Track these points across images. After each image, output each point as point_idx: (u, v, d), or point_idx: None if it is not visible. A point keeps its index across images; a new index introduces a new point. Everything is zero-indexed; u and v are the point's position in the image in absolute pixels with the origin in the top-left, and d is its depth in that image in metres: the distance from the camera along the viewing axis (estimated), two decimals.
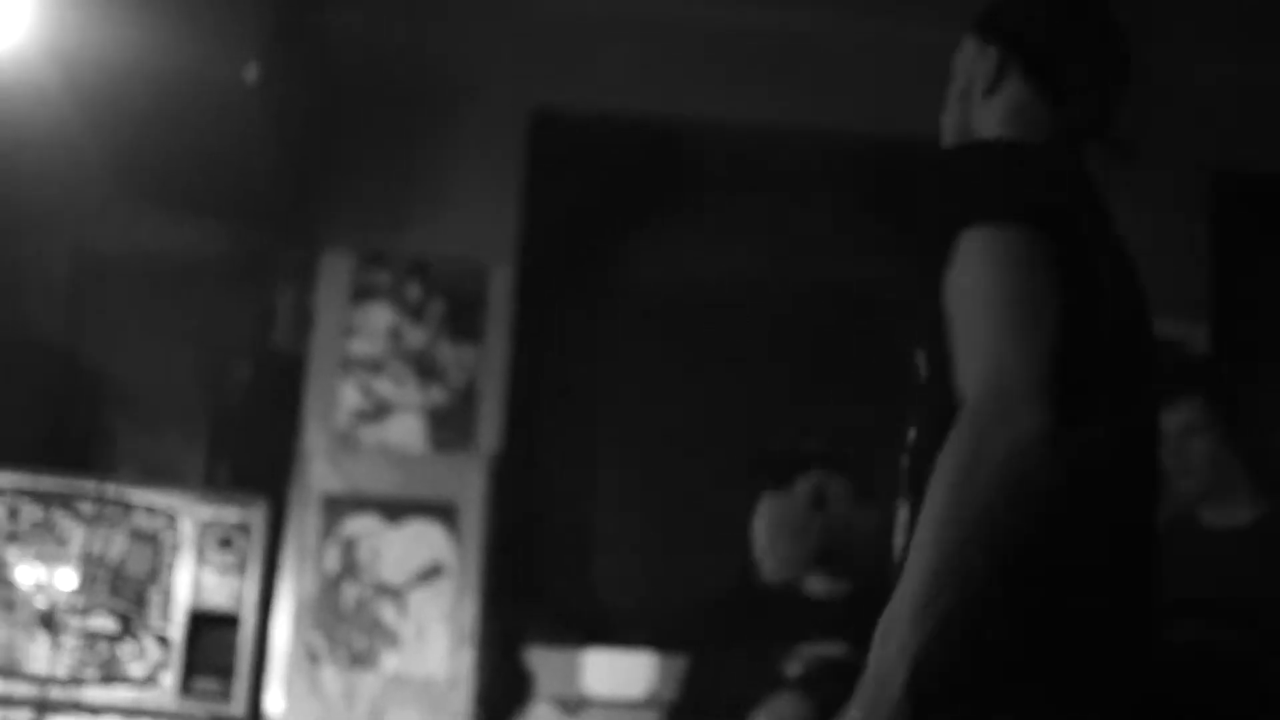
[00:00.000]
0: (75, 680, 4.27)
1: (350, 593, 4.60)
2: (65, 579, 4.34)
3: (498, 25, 5.06)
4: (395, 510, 4.65)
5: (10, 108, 4.66)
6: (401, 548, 4.63)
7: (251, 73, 4.81)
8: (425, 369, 4.81)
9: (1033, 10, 2.36)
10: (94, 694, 4.27)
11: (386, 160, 4.98)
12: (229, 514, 4.40)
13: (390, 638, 4.57)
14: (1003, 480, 1.71)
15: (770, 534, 3.72)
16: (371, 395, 4.77)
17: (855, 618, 2.62)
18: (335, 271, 4.88)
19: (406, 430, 4.76)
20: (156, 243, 4.92)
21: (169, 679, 4.28)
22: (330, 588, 4.59)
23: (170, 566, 4.36)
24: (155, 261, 4.94)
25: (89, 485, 4.42)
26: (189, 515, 4.38)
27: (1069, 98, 2.29)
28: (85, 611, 4.32)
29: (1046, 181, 2.06)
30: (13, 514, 4.37)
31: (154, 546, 4.37)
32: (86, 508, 4.38)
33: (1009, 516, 1.72)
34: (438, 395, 4.79)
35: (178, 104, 4.71)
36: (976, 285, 1.88)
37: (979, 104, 2.32)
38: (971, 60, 2.35)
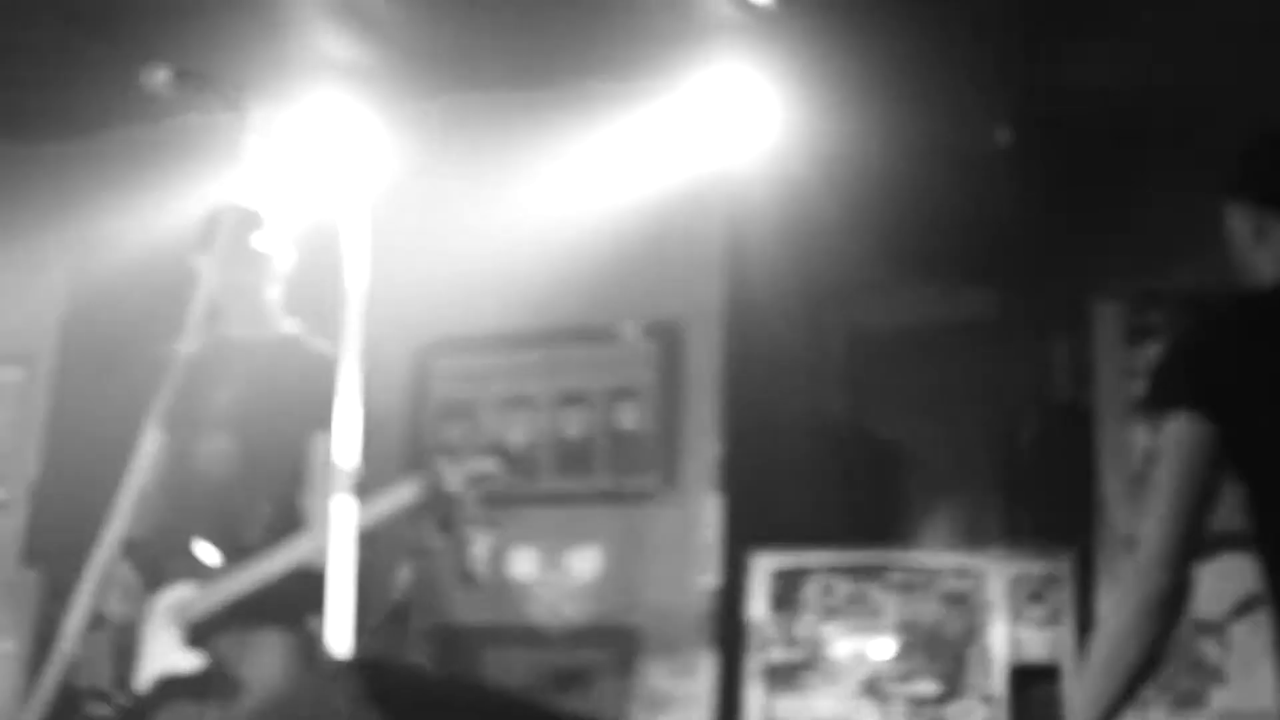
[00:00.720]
0: None
1: None
2: (883, 648, 4.50)
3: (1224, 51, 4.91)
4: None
5: (775, 202, 5.01)
6: (1212, 582, 4.46)
7: (1003, 136, 4.94)
8: None
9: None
10: None
11: (1137, 201, 4.92)
12: (1036, 567, 4.43)
13: (1215, 675, 4.40)
14: (1137, 620, 2.45)
15: None
16: None
17: None
18: (1108, 317, 4.84)
19: None
20: (925, 312, 5.10)
21: None
22: None
23: (984, 625, 4.43)
24: (925, 330, 5.12)
25: (895, 555, 4.59)
26: (997, 573, 4.45)
27: None
28: (906, 678, 4.46)
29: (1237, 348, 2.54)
30: (827, 590, 4.60)
31: (966, 608, 4.46)
32: (896, 577, 4.55)
33: (1145, 634, 2.45)
34: None
35: (930, 177, 4.90)
36: (1153, 468, 2.53)
37: (1253, 254, 2.68)
38: (1238, 220, 2.71)
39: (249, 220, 4.20)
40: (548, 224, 5.22)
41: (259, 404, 4.18)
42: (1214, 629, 4.46)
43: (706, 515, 4.92)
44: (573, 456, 5.22)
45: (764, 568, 4.68)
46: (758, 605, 4.65)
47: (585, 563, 5.06)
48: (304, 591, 3.83)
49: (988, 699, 4.35)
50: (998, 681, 4.36)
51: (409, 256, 5.15)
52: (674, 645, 4.89)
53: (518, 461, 4.07)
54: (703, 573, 4.87)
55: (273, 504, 4.20)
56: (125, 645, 4.02)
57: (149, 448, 4.25)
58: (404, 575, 4.13)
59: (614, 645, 4.91)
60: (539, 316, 5.33)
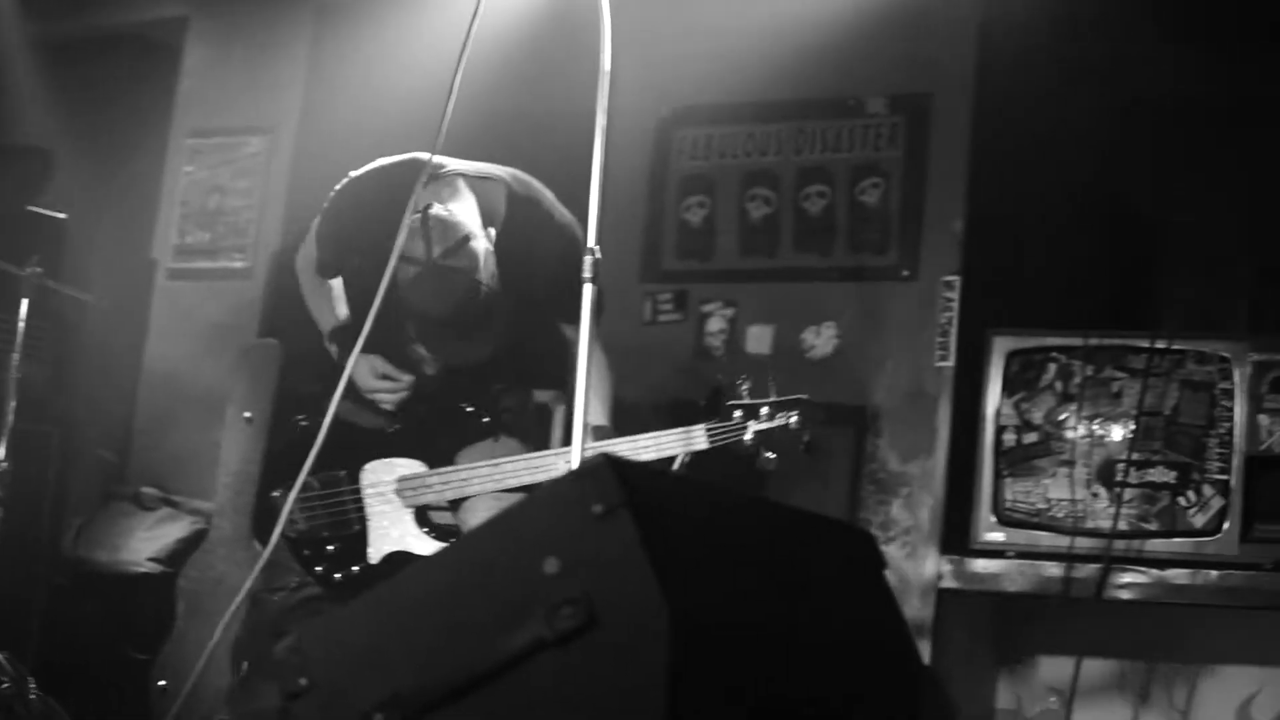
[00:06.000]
0: (1137, 533, 4.84)
1: None
2: (1121, 434, 4.93)
3: None
4: None
5: None
6: None
7: None
8: None
9: None
10: (1155, 545, 4.82)
11: None
12: None
13: None
14: None
15: None
16: None
17: None
18: None
19: None
20: (1201, 85, 5.33)
21: (1230, 527, 4.73)
22: None
23: (1225, 413, 4.80)
24: (1201, 105, 5.36)
25: (1139, 340, 4.94)
26: (1240, 360, 4.80)
27: None
28: (1142, 465, 4.88)
29: None
30: (1065, 374, 5.02)
31: (1207, 394, 4.84)
32: (1138, 362, 4.93)
33: None
34: None
35: None
36: None
37: None
38: None
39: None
40: None
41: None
42: None
43: (946, 295, 5.35)
44: (812, 232, 5.70)
45: (1002, 349, 5.07)
46: (994, 388, 5.06)
47: (821, 341, 5.55)
48: None
49: (1223, 488, 4.75)
50: (1235, 471, 4.74)
51: (653, 25, 5.57)
52: (908, 426, 5.38)
53: (819, 415, 4.19)
54: (940, 353, 5.32)
55: (505, 380, 4.52)
56: (338, 506, 4.42)
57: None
58: None
59: (847, 424, 5.41)
60: (784, 88, 5.74)
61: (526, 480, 4.20)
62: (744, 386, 4.18)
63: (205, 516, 5.79)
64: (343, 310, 4.56)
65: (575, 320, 4.06)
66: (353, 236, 4.40)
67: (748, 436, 4.10)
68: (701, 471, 4.13)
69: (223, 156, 6.70)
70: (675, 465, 4.24)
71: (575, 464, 3.54)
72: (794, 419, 4.11)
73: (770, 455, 4.13)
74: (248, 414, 5.09)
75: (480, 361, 4.30)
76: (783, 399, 4.15)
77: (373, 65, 6.00)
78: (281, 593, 4.50)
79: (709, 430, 4.11)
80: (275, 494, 4.50)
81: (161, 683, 4.89)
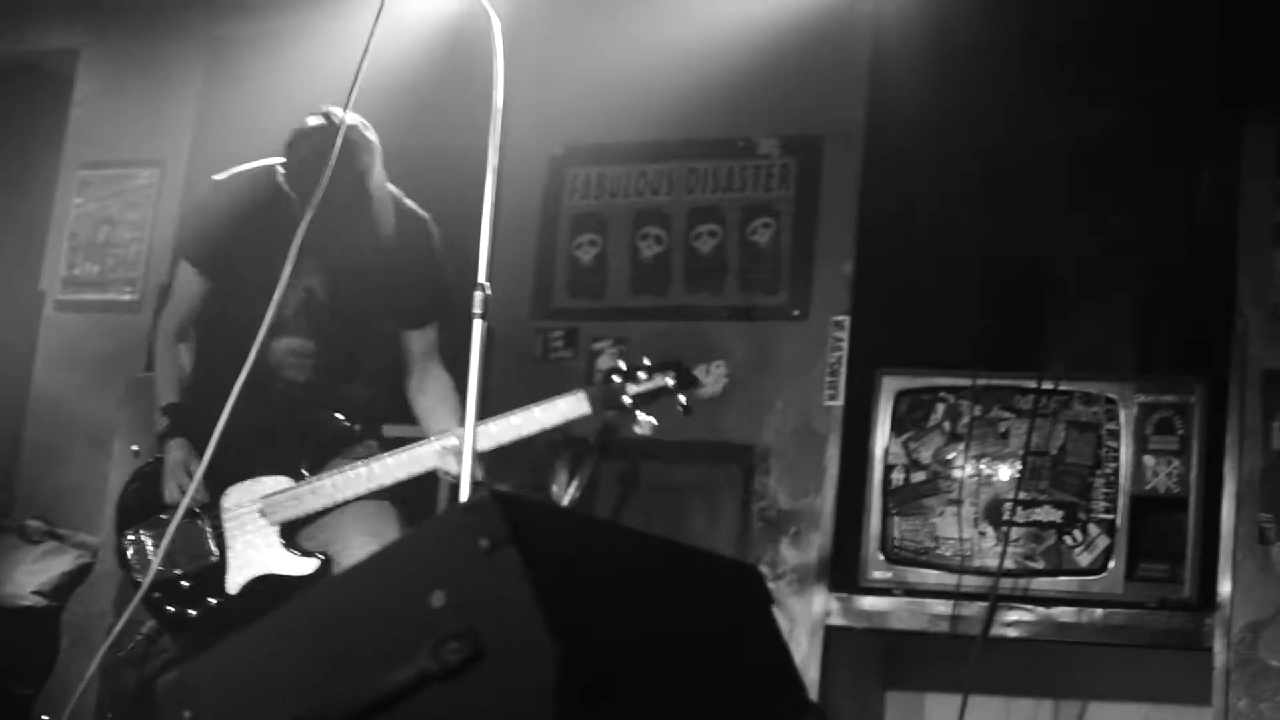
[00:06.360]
0: (1023, 571, 4.91)
1: None
2: (1008, 474, 4.99)
3: None
4: None
5: (921, 17, 5.39)
6: None
7: None
8: None
9: None
10: (1041, 584, 4.88)
11: None
12: (1167, 397, 4.85)
13: None
14: None
15: None
16: None
17: None
18: (1259, 141, 5.13)
19: None
20: (1072, 124, 5.46)
21: (1115, 566, 4.80)
22: (1277, 467, 4.88)
23: (1111, 453, 4.88)
24: (1072, 143, 5.48)
25: (1024, 379, 5.02)
26: (1126, 401, 4.88)
27: None
28: (1029, 504, 4.94)
29: None
30: (953, 414, 5.08)
31: (1094, 435, 4.92)
32: (1025, 402, 5.01)
33: None
34: None
35: None
36: None
37: None
38: None
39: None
40: (688, 33, 5.65)
41: (343, 299, 4.38)
42: None
43: (836, 335, 5.41)
44: (703, 271, 5.73)
45: (891, 389, 5.14)
46: (883, 427, 5.13)
47: (711, 379, 5.58)
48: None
49: (1108, 528, 4.83)
50: (1120, 510, 4.82)
51: (545, 65, 5.64)
52: (797, 464, 5.42)
53: (693, 379, 4.32)
54: (829, 393, 5.37)
55: (372, 388, 4.54)
56: (195, 537, 4.34)
57: (187, 286, 4.53)
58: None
59: (737, 462, 5.45)
60: (675, 128, 5.79)
61: (403, 476, 4.21)
62: (619, 354, 4.26)
63: (91, 550, 5.75)
64: (174, 395, 4.50)
65: (417, 326, 4.12)
66: (228, 232, 4.40)
67: (626, 399, 4.18)
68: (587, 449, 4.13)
69: (113, 188, 6.66)
70: (573, 485, 4.29)
71: (467, 450, 3.62)
72: (670, 380, 4.19)
73: (651, 420, 4.21)
74: (135, 447, 5.06)
75: (371, 259, 4.32)
76: (659, 362, 4.26)
77: (264, 99, 5.97)
78: (132, 649, 4.40)
79: (589, 393, 4.18)
80: (129, 538, 4.43)
81: (45, 717, 4.84)
